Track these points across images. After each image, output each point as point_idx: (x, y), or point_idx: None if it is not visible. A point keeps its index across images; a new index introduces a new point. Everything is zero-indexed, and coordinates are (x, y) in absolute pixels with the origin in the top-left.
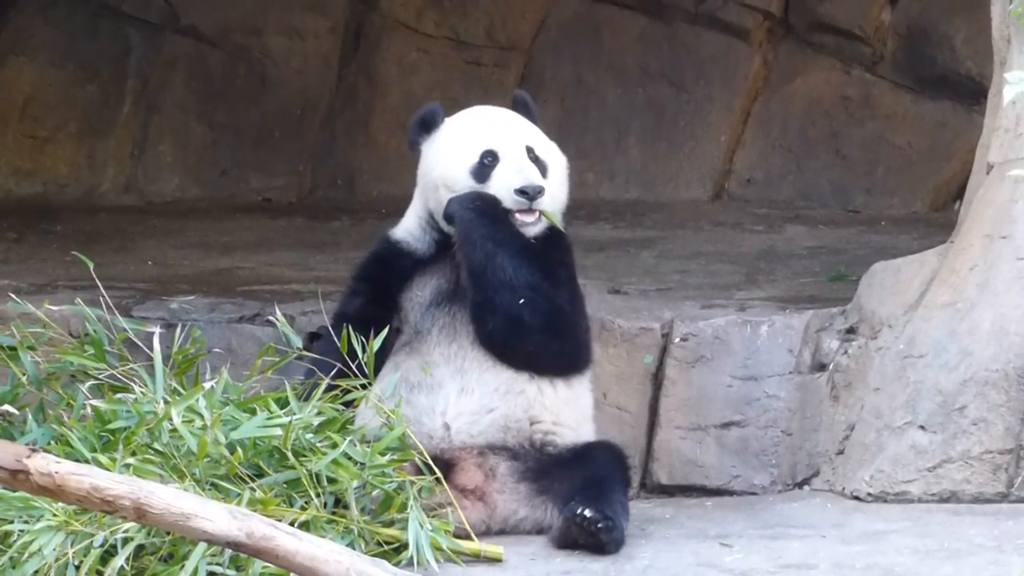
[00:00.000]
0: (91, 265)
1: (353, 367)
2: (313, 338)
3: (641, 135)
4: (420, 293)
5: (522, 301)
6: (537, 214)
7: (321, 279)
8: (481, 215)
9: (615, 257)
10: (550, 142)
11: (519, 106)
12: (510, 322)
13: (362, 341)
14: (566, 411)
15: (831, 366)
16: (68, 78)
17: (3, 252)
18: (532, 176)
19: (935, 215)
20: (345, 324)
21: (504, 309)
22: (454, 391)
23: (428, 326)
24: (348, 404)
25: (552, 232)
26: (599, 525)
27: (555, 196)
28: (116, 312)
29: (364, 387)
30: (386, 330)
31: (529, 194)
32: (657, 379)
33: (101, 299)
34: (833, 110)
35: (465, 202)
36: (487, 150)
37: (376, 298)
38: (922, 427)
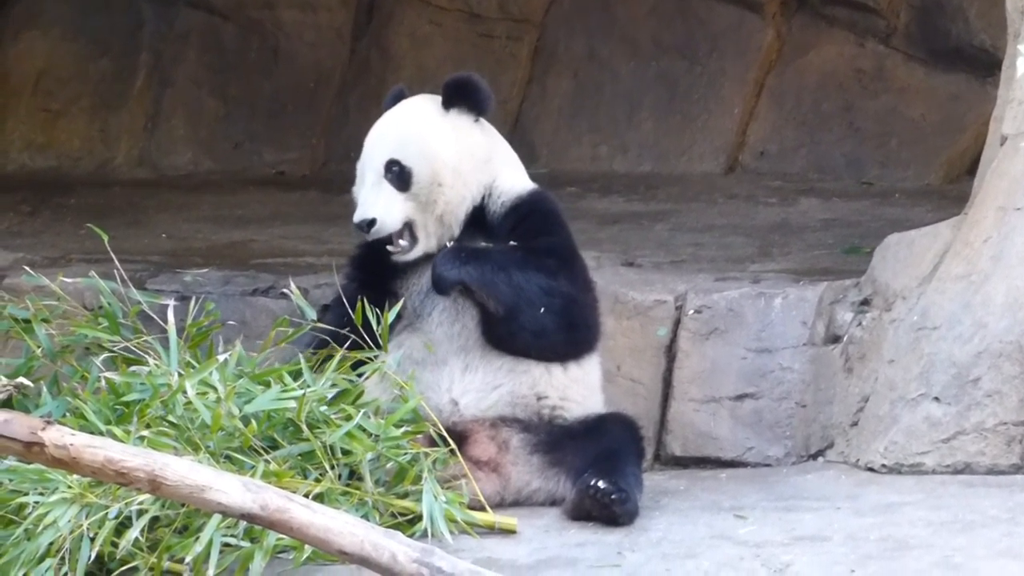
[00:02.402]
0: (106, 238)
1: (361, 340)
2: (326, 311)
3: (654, 108)
4: (417, 281)
5: (543, 310)
6: (401, 244)
7: (334, 252)
8: (451, 267)
9: (629, 230)
10: (439, 136)
11: (447, 94)
12: (535, 335)
13: (377, 313)
14: (573, 387)
15: (845, 338)
16: (81, 52)
17: (17, 225)
18: (366, 207)
19: (949, 187)
20: (360, 297)
21: (528, 327)
22: (458, 368)
23: (428, 310)
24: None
25: (536, 209)
26: (612, 497)
27: (431, 199)
28: (130, 285)
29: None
30: (400, 302)
31: (363, 229)
32: (671, 352)
33: (115, 272)
34: (847, 82)
35: (438, 267)
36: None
37: (368, 283)
38: (936, 399)
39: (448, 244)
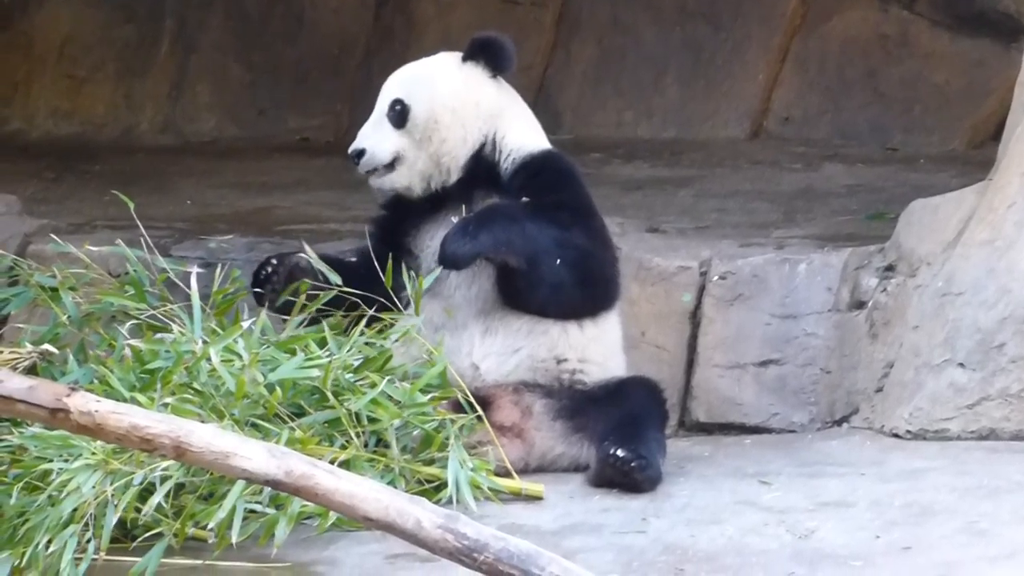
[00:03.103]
0: (131, 205)
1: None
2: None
3: (678, 74)
4: (430, 243)
5: (558, 262)
6: (379, 173)
7: (358, 218)
8: (462, 243)
9: (653, 196)
10: (445, 79)
11: (469, 49)
12: (553, 288)
13: (412, 277)
14: (592, 347)
15: (869, 304)
16: (105, 18)
17: (42, 192)
18: (360, 140)
19: (973, 153)
20: (387, 259)
21: (547, 279)
22: (478, 332)
23: (446, 272)
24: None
25: (547, 166)
26: (632, 464)
27: (425, 136)
28: (155, 252)
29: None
30: (439, 269)
31: (354, 160)
32: (695, 318)
33: (140, 239)
34: (870, 48)
35: (449, 247)
36: None
37: (387, 241)
38: (961, 365)
39: (440, 189)
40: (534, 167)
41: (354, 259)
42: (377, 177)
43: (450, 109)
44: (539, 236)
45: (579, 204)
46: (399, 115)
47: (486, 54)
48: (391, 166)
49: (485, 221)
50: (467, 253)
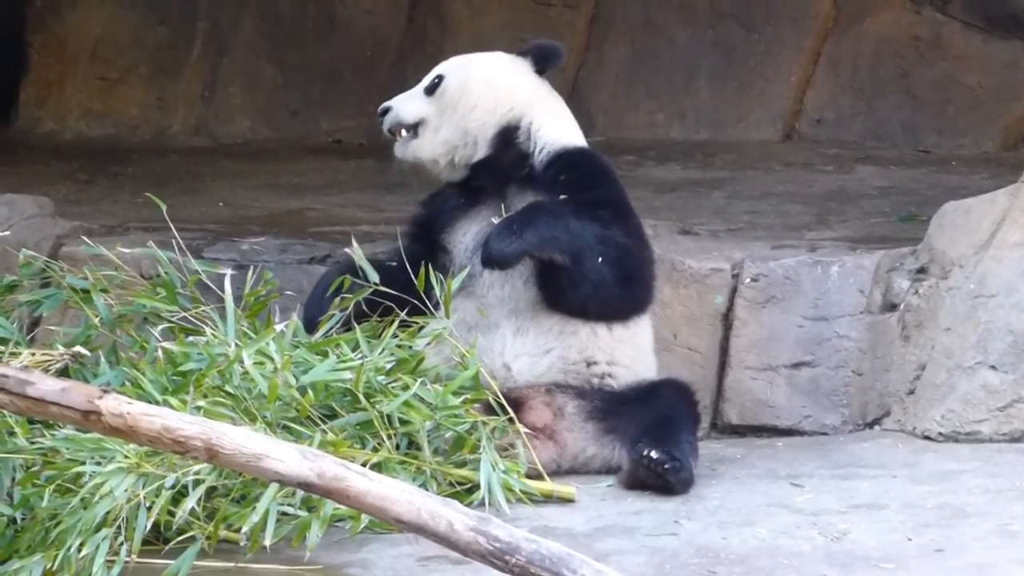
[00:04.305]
0: (163, 207)
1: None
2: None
3: (711, 76)
4: (463, 239)
5: (600, 260)
6: (402, 140)
7: (391, 220)
8: (508, 242)
9: (685, 198)
10: (488, 59)
11: (524, 48)
12: (595, 286)
13: (441, 279)
14: (621, 350)
15: (902, 306)
16: (138, 20)
17: (75, 194)
18: (394, 99)
19: (1005, 155)
20: (423, 263)
21: (590, 277)
22: (510, 332)
23: (479, 268)
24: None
25: (582, 162)
26: (666, 466)
27: (452, 103)
28: (187, 254)
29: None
30: (465, 271)
31: (380, 116)
32: (727, 320)
33: (173, 241)
34: (903, 50)
35: (494, 246)
36: None
37: (421, 238)
38: (993, 367)
39: (466, 168)
40: (569, 161)
41: (391, 263)
42: (401, 145)
43: (483, 81)
44: (583, 233)
45: (618, 202)
46: (433, 85)
47: (536, 52)
48: (415, 132)
49: (530, 219)
50: (514, 252)
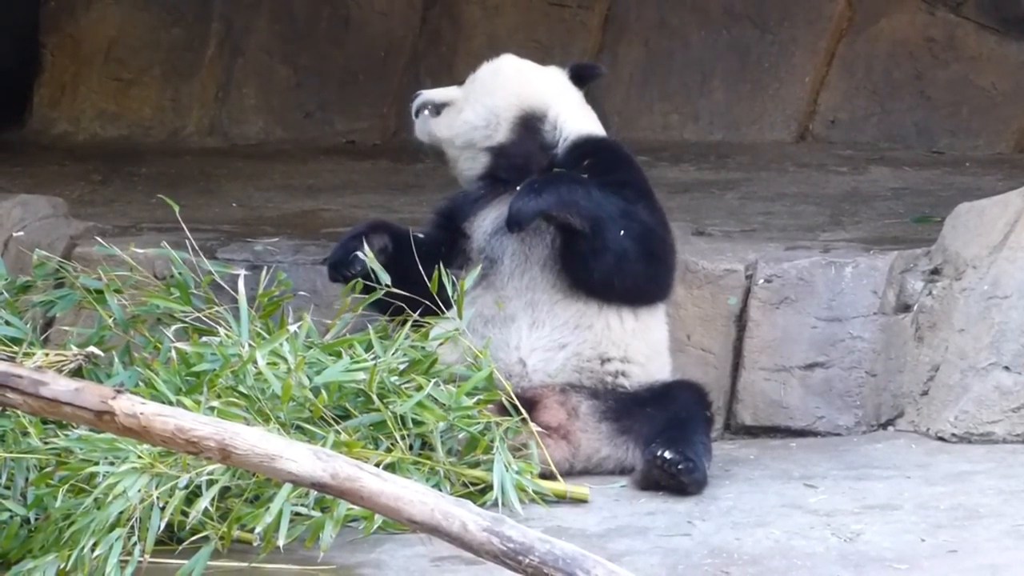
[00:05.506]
0: (177, 208)
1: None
2: None
3: (725, 77)
4: (483, 224)
5: (622, 233)
6: (423, 116)
7: (405, 221)
8: (528, 199)
9: (699, 199)
10: (523, 61)
11: (563, 64)
12: (617, 257)
13: (453, 280)
14: (635, 345)
15: (915, 307)
16: (152, 21)
17: (88, 195)
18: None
19: (1019, 156)
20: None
21: (612, 247)
22: (526, 324)
23: (499, 253)
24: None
25: (605, 147)
26: (680, 467)
27: (478, 92)
28: (201, 254)
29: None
30: (478, 269)
31: (412, 100)
32: (741, 320)
33: (186, 241)
34: (917, 51)
35: (515, 203)
36: None
37: (444, 225)
38: (1007, 368)
39: (485, 153)
40: (592, 147)
41: (419, 235)
42: (420, 123)
43: (516, 67)
44: (605, 203)
45: (642, 186)
46: (468, 79)
47: (575, 67)
48: (438, 111)
49: (551, 181)
50: (531, 210)
